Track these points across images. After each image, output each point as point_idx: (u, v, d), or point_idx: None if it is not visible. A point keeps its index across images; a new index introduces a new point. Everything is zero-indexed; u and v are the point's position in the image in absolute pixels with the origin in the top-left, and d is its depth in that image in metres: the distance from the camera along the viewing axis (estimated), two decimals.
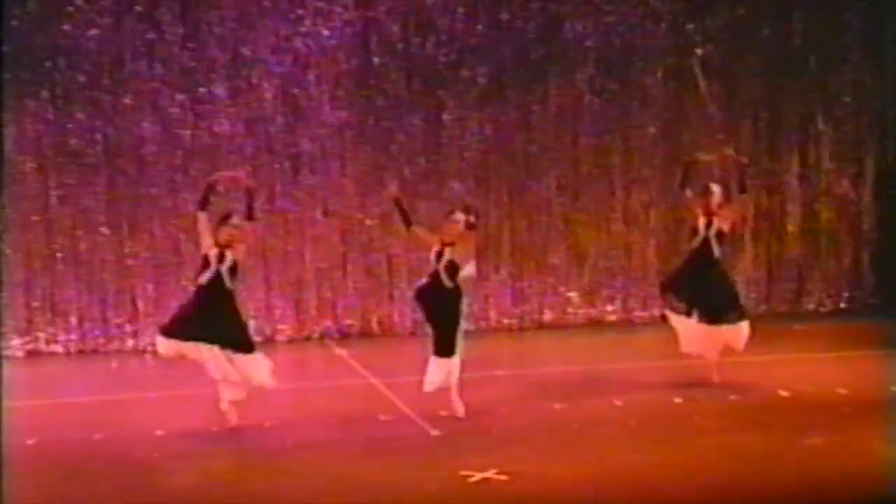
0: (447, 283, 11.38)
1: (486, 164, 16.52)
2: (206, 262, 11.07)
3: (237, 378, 11.14)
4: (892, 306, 16.30)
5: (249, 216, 11.28)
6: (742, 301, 12.89)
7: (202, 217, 11.28)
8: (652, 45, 16.69)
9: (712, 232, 12.37)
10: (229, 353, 11.10)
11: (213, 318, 11.03)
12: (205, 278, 11.05)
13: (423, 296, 11.60)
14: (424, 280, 11.59)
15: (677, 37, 16.77)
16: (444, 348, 11.42)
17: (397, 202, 11.73)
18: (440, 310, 11.44)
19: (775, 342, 13.17)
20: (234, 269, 11.10)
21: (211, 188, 11.46)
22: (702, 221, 12.40)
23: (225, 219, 11.20)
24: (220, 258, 11.02)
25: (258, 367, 11.22)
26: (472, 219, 11.43)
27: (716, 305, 12.47)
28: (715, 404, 11.93)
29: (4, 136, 14.61)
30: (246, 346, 11.22)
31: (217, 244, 11.06)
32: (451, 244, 11.39)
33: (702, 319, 12.52)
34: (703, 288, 12.45)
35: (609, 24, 16.57)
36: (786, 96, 17.15)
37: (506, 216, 16.66)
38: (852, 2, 17.06)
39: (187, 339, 11.02)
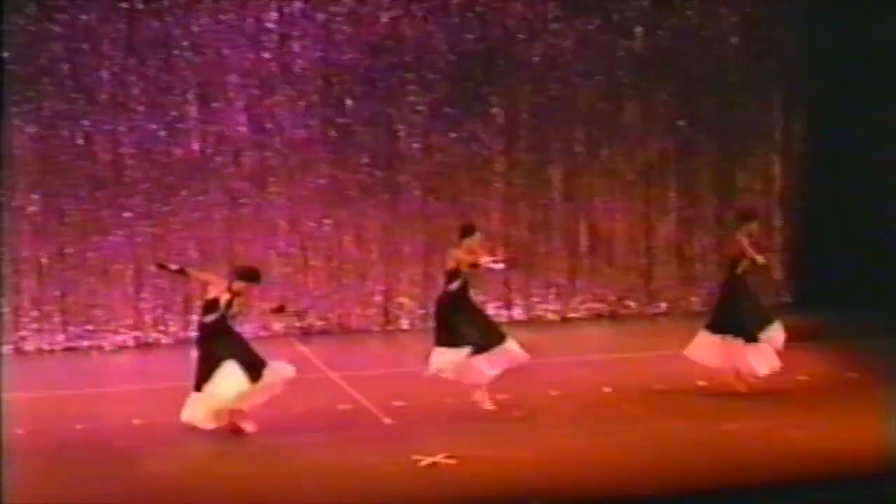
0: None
1: (437, 174, 16.56)
2: (214, 304, 10.91)
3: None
4: (803, 304, 16.40)
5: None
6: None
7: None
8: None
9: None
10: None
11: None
12: (211, 318, 10.90)
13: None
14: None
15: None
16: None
17: None
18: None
19: (694, 336, 13.18)
20: (234, 317, 11.03)
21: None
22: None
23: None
24: (229, 305, 10.87)
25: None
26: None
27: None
28: (641, 394, 12.02)
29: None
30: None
31: (230, 291, 10.90)
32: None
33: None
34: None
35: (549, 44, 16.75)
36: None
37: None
38: None
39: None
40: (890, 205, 15.75)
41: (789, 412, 11.18)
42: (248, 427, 10.87)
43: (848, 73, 16.12)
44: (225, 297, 10.82)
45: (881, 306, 14.73)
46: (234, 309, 10.90)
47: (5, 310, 14.98)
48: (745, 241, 11.93)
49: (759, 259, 11.91)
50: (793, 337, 12.19)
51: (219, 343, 10.81)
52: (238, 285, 10.90)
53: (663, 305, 17.10)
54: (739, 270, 11.97)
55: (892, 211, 15.71)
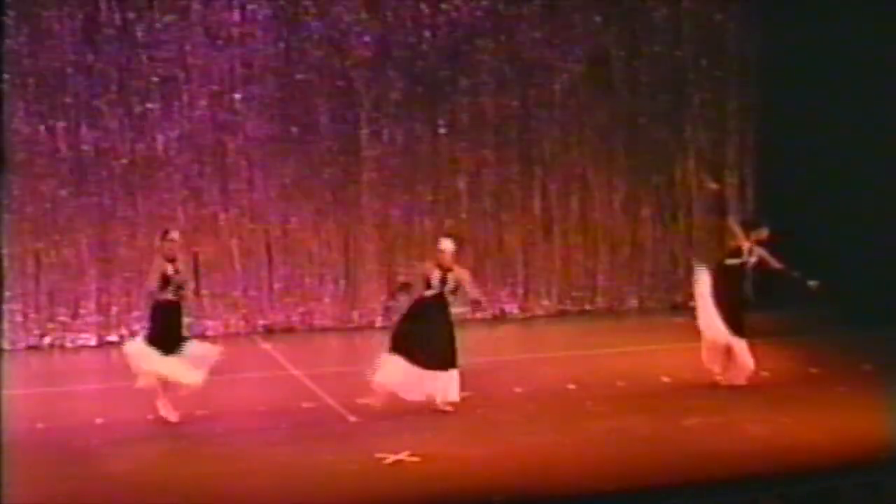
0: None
1: (399, 172, 16.60)
2: (165, 280, 11.02)
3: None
4: (764, 299, 16.47)
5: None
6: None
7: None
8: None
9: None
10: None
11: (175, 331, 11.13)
12: (168, 295, 11.04)
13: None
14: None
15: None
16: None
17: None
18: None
19: (658, 333, 13.34)
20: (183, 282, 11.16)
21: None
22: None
23: (165, 235, 11.22)
24: (176, 272, 11.06)
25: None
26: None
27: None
28: (604, 390, 12.11)
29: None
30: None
31: (168, 260, 11.03)
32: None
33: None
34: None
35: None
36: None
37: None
38: None
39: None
40: (848, 204, 15.86)
41: (750, 408, 11.30)
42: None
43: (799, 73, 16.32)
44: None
45: (840, 302, 14.86)
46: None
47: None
48: (754, 248, 12.02)
49: (775, 263, 12.00)
50: (754, 333, 12.28)
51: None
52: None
53: (630, 302, 17.27)
54: (729, 262, 12.05)
55: (850, 210, 15.82)
